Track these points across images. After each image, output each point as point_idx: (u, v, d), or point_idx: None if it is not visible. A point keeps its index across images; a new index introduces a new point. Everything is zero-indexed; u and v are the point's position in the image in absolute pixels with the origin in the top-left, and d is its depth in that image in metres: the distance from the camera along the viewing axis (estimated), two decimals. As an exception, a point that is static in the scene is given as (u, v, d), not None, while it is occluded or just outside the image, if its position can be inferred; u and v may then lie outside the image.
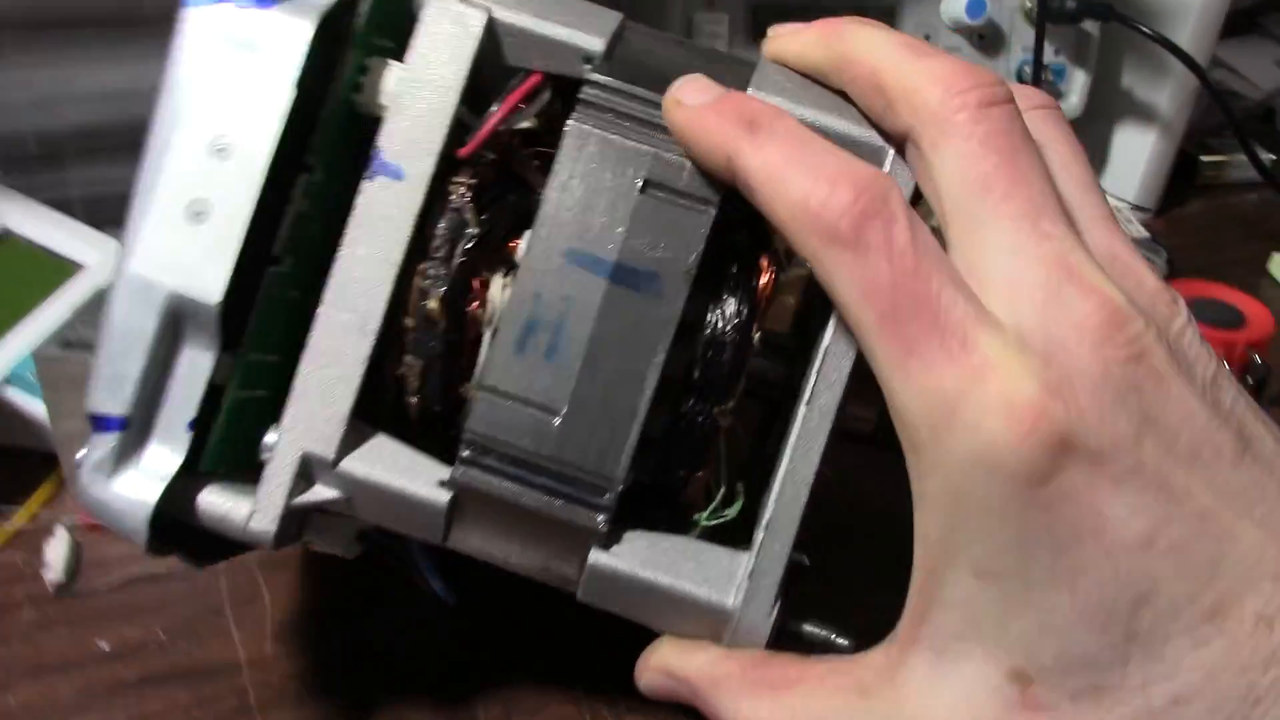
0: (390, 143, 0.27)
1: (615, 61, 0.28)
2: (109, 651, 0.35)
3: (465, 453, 0.27)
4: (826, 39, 0.27)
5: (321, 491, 0.28)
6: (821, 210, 0.23)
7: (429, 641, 0.36)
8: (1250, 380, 0.39)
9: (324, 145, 0.28)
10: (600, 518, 0.27)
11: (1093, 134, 0.66)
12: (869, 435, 0.30)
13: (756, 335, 0.28)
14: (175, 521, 0.28)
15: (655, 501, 0.29)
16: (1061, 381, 0.22)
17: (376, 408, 0.28)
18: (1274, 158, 0.71)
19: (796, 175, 0.24)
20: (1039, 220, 0.23)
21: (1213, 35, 0.61)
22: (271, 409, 0.28)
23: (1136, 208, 0.66)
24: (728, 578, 0.28)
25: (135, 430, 0.27)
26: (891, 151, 0.26)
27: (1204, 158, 0.72)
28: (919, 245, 0.23)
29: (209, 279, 0.26)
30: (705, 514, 0.29)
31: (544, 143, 0.29)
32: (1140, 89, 0.64)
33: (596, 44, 0.27)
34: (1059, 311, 0.22)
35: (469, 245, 0.27)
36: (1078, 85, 0.61)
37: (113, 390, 0.27)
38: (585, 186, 0.27)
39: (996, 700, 0.23)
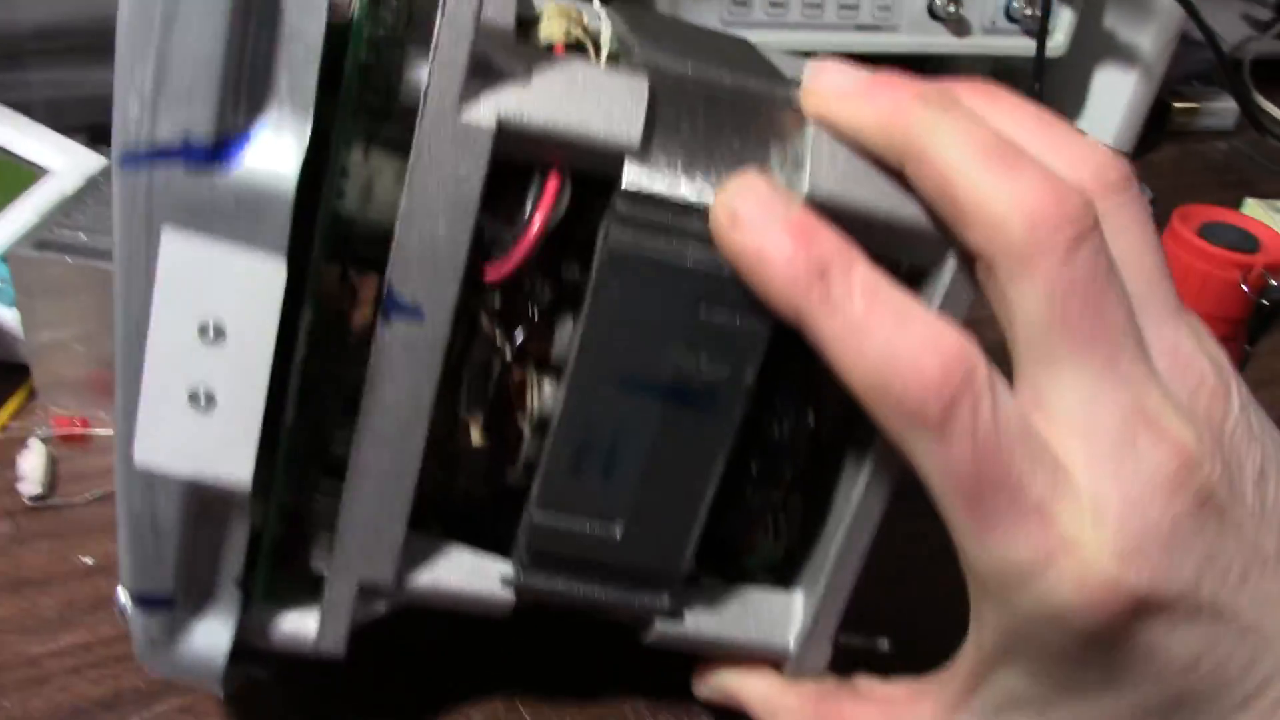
0: (404, 280, 0.23)
1: (652, 152, 0.24)
2: (92, 565, 0.33)
3: (525, 558, 0.27)
4: (888, 123, 0.23)
5: (384, 606, 0.27)
6: (904, 393, 0.22)
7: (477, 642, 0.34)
8: (1266, 302, 0.40)
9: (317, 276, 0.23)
10: (665, 600, 0.28)
11: (1074, 74, 0.66)
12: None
13: (812, 418, 0.27)
14: (242, 660, 0.27)
15: (708, 557, 0.29)
16: (1135, 551, 0.22)
17: (420, 495, 0.26)
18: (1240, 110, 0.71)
19: (876, 347, 0.22)
20: (1117, 363, 0.22)
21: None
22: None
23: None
24: (786, 620, 0.29)
25: (182, 604, 0.26)
26: (953, 262, 0.24)
27: (1176, 104, 0.72)
28: (1001, 423, 0.22)
29: (234, 462, 0.24)
30: (757, 560, 0.30)
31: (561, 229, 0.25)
32: (1123, 30, 0.64)
33: (630, 134, 0.23)
34: (1133, 467, 0.22)
35: (502, 371, 0.26)
36: (1064, 23, 0.61)
37: (149, 572, 0.25)
38: (629, 309, 0.24)
39: None
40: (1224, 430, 0.23)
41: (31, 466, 0.36)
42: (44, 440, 0.37)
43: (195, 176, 0.21)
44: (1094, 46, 0.65)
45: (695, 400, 0.25)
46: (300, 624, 0.27)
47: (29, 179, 0.44)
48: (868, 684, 0.29)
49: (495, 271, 0.24)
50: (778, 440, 0.27)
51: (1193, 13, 0.59)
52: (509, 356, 0.26)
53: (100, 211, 0.38)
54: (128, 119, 0.21)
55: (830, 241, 0.23)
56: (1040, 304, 0.22)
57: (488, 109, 0.22)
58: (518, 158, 0.23)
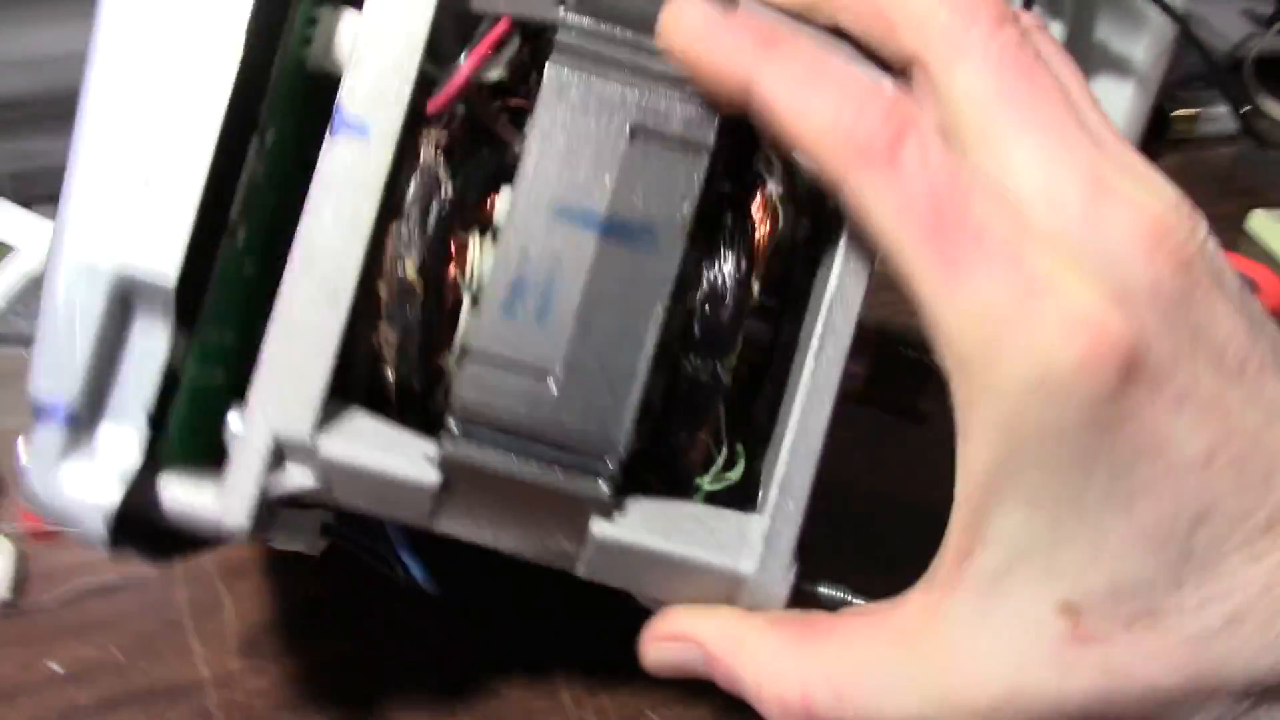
0: (352, 98, 0.25)
1: (589, 1, 0.26)
2: (62, 674, 0.33)
3: (454, 425, 0.25)
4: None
5: (296, 477, 0.26)
6: (853, 131, 0.22)
7: (414, 643, 0.34)
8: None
9: (276, 105, 0.25)
10: (603, 485, 0.25)
11: (1067, 89, 0.65)
12: (860, 393, 0.29)
13: (756, 288, 0.27)
14: (135, 518, 0.25)
15: (654, 467, 0.28)
16: (1119, 296, 0.21)
17: (349, 382, 0.26)
18: (1245, 109, 0.70)
19: (824, 97, 0.23)
20: (1065, 131, 0.22)
21: (1191, -14, 0.60)
22: (233, 395, 0.26)
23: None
24: (740, 541, 0.26)
25: (85, 420, 0.25)
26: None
27: (1175, 112, 0.70)
28: (954, 162, 0.22)
29: (162, 255, 0.24)
30: (708, 478, 0.28)
31: (515, 95, 0.27)
32: (1116, 41, 0.62)
33: None
34: (1104, 222, 0.21)
35: (445, 207, 0.26)
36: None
37: (57, 375, 0.24)
38: (568, 136, 0.25)
39: (1046, 637, 0.22)
40: (1198, 224, 0.22)
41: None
42: (11, 538, 0.36)
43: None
44: (1085, 60, 0.63)
45: (632, 237, 0.25)
46: (202, 498, 0.25)
47: (-2, 255, 0.43)
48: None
49: (433, 104, 0.26)
50: (718, 293, 0.26)
51: (1184, 26, 0.58)
52: (449, 193, 0.26)
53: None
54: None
55: (777, 20, 0.24)
56: (977, 79, 0.22)
57: None
58: (474, 6, 0.26)
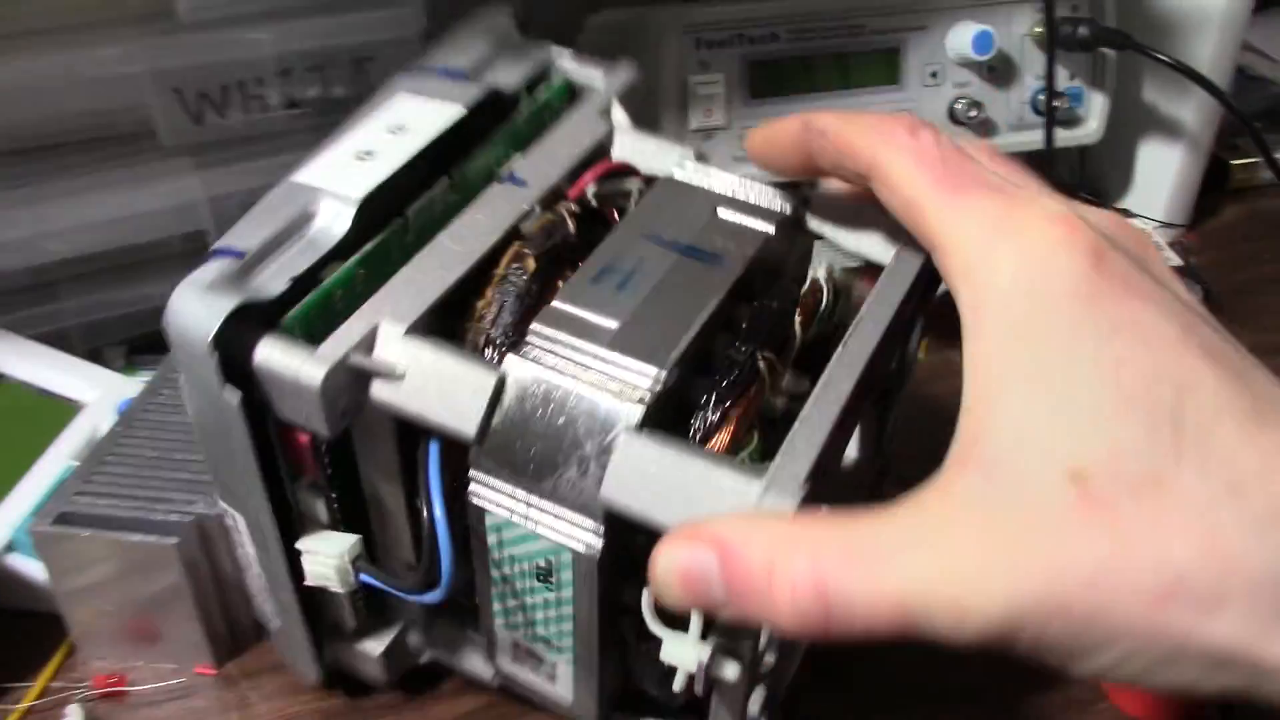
0: (523, 166, 0.35)
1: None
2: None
3: (527, 343, 0.29)
4: (802, 132, 0.31)
5: (380, 357, 0.29)
6: (881, 124, 0.29)
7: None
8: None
9: (464, 175, 0.34)
10: (642, 389, 0.28)
11: (1116, 155, 0.64)
12: None
13: (799, 320, 0.32)
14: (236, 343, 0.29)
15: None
16: (1082, 218, 0.26)
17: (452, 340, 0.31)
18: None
19: (862, 121, 0.30)
20: (982, 185, 0.27)
21: (1235, 46, 0.58)
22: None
23: (1166, 225, 0.63)
24: (755, 471, 0.27)
25: (246, 265, 0.29)
26: None
27: (1234, 161, 0.69)
28: (957, 145, 0.28)
29: (356, 185, 0.31)
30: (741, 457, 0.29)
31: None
32: (1162, 105, 0.61)
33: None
34: (1039, 228, 0.25)
35: (564, 239, 0.33)
36: (1096, 108, 0.59)
37: (242, 235, 0.30)
38: (666, 202, 0.34)
39: (1056, 504, 0.22)
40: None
41: (72, 738, 0.36)
42: (83, 704, 0.38)
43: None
44: (1133, 126, 0.62)
45: (705, 259, 0.32)
46: (295, 354, 0.28)
47: (65, 415, 0.45)
48: None
49: (573, 190, 0.35)
50: (765, 304, 0.32)
51: (1223, 100, 0.56)
52: (571, 233, 0.33)
53: (121, 473, 0.39)
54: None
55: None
56: (906, 158, 0.28)
57: None
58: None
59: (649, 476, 0.27)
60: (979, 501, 0.23)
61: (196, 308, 0.28)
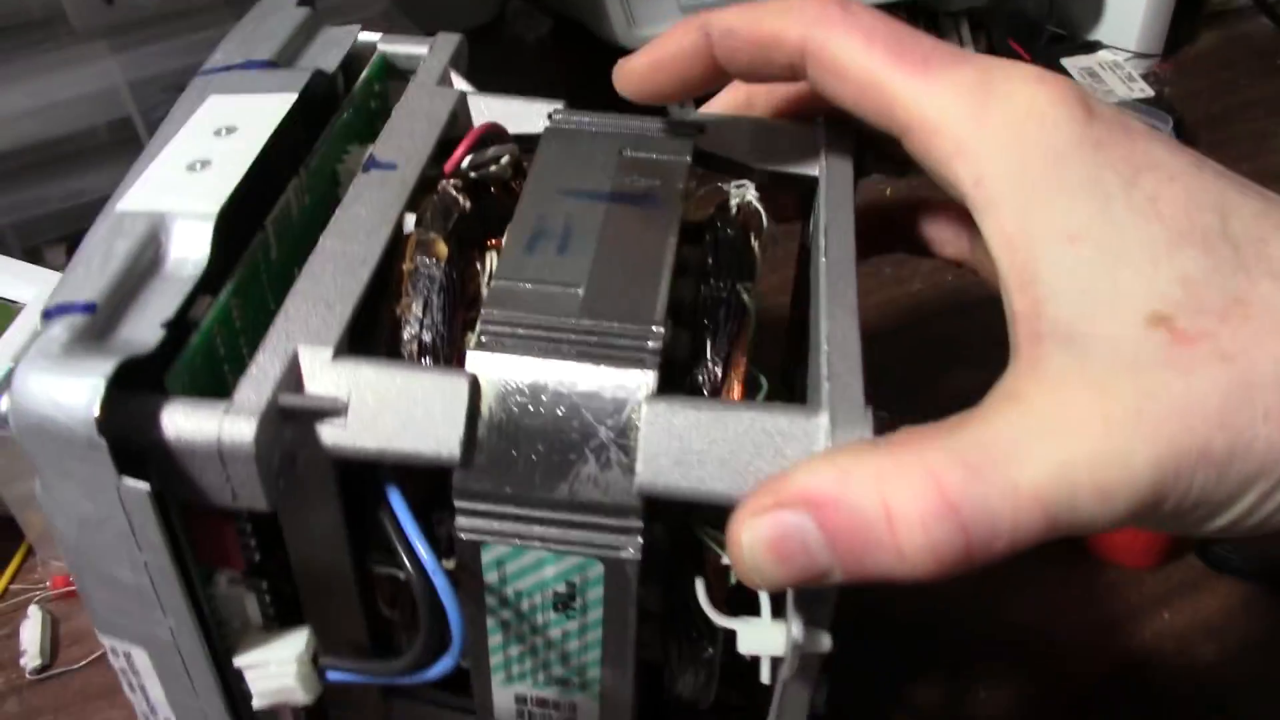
0: (383, 149, 0.29)
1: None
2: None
3: (484, 334, 0.24)
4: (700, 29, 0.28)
5: (313, 391, 0.23)
6: (803, 6, 0.26)
7: None
8: None
9: (311, 172, 0.29)
10: (649, 354, 0.24)
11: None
12: None
13: (756, 244, 0.28)
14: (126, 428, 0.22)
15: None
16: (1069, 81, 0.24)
17: (364, 348, 0.25)
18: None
19: (779, 6, 0.27)
20: (935, 50, 0.25)
21: None
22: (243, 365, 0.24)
23: (1139, 55, 0.61)
24: (809, 411, 0.23)
25: (100, 318, 0.23)
26: None
27: (1210, -18, 0.66)
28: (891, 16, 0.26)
29: (203, 199, 0.25)
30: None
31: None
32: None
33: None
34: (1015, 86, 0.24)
35: (461, 215, 0.28)
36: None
37: (81, 285, 0.23)
38: (563, 153, 0.29)
39: (1153, 353, 0.21)
40: None
41: (31, 639, 0.36)
42: (43, 604, 0.38)
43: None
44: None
45: (637, 201, 0.28)
46: (207, 413, 0.22)
47: (7, 315, 0.44)
48: None
49: (448, 164, 0.30)
50: (723, 231, 0.28)
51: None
52: (466, 206, 0.29)
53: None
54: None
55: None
56: (853, 38, 0.25)
57: None
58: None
59: (689, 446, 0.23)
60: (1076, 376, 0.21)
61: (59, 386, 0.21)
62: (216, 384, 0.24)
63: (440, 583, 0.24)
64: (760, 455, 0.22)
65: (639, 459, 0.23)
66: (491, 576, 0.25)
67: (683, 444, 0.23)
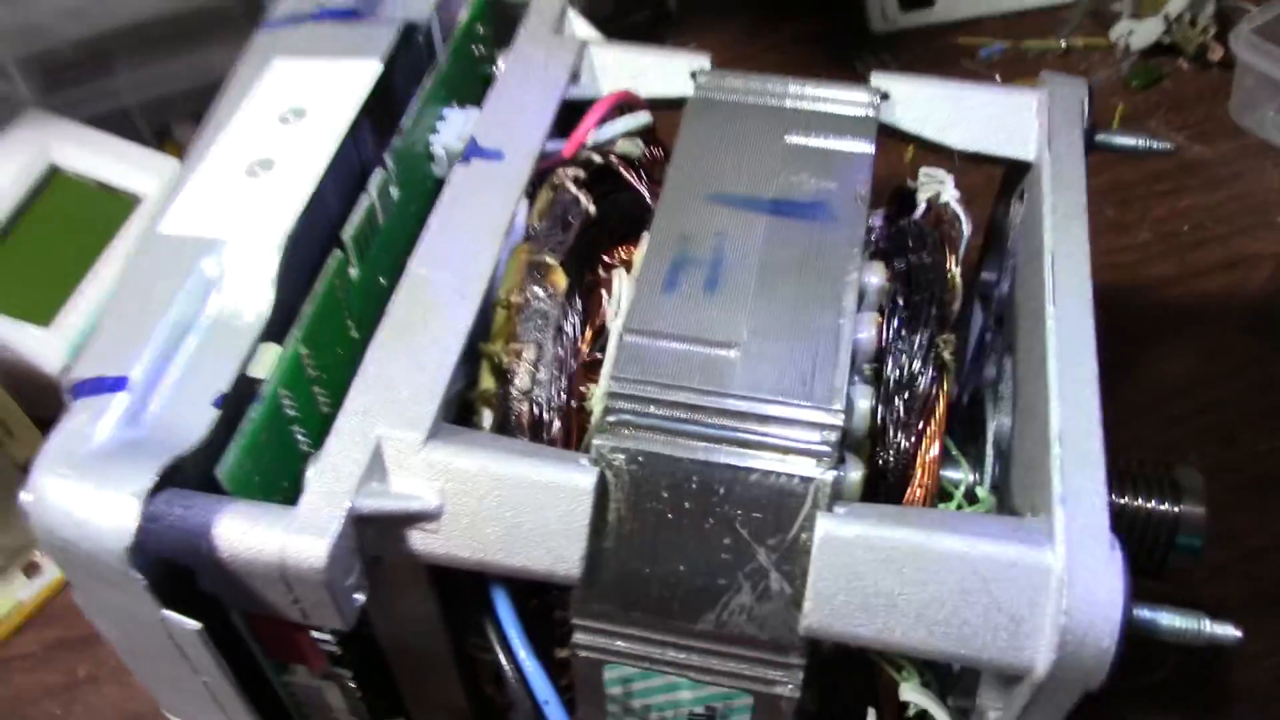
0: (485, 133, 0.24)
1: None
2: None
3: (613, 412, 0.19)
4: None
5: (400, 490, 0.19)
6: None
7: None
8: None
9: (399, 161, 0.23)
10: (825, 447, 0.18)
11: None
12: None
13: (956, 271, 0.23)
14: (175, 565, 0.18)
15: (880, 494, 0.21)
16: None
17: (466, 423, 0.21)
18: None
19: None
20: None
21: None
22: (315, 442, 0.20)
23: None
24: (1027, 531, 0.18)
25: (138, 396, 0.19)
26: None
27: None
28: None
29: (266, 220, 0.21)
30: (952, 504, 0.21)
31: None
32: None
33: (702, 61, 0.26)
34: None
35: (582, 222, 0.23)
36: None
37: (114, 349, 0.19)
38: (711, 137, 0.24)
39: None
40: None
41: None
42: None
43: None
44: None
45: (806, 213, 0.23)
46: (272, 519, 0.18)
47: (125, 209, 0.41)
48: None
49: (568, 147, 0.25)
50: (916, 264, 0.23)
51: None
52: (591, 209, 0.23)
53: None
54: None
55: None
56: None
57: None
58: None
59: (876, 586, 0.18)
60: None
61: (84, 501, 0.17)
62: (283, 454, 0.20)
63: (545, 692, 0.21)
64: (969, 604, 0.18)
65: (808, 596, 0.18)
66: (615, 691, 0.21)
67: (866, 583, 0.18)
